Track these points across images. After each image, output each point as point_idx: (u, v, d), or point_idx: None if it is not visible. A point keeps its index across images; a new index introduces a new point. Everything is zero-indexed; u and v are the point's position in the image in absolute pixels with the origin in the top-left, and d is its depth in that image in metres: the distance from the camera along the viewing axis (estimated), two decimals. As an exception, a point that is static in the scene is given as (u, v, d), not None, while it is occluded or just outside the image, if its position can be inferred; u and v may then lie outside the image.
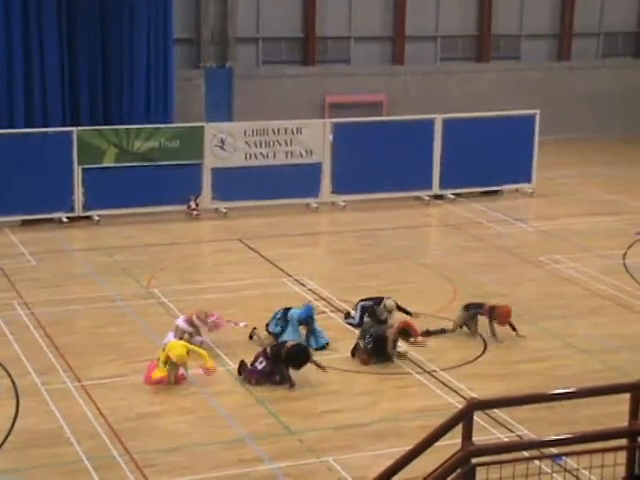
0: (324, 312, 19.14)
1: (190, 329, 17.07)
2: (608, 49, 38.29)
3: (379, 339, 16.70)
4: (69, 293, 20.04)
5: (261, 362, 15.90)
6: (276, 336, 17.08)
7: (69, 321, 18.60)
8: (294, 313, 17.29)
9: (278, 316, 17.38)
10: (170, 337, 16.58)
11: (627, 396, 7.11)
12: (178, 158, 25.57)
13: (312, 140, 26.62)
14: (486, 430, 13.97)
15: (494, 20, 36.17)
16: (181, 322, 17.15)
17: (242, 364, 16.07)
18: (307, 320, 17.38)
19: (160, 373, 15.77)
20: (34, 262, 21.99)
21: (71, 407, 15.00)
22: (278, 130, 26.46)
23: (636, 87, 37.89)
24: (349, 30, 34.90)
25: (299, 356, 15.81)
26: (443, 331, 17.93)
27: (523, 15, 36.80)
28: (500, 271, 21.63)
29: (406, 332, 16.83)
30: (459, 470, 7.29)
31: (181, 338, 16.66)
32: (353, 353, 16.95)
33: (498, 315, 17.75)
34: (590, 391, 7.55)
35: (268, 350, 15.92)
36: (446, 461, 7.41)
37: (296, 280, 20.53)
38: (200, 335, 17.12)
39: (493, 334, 17.66)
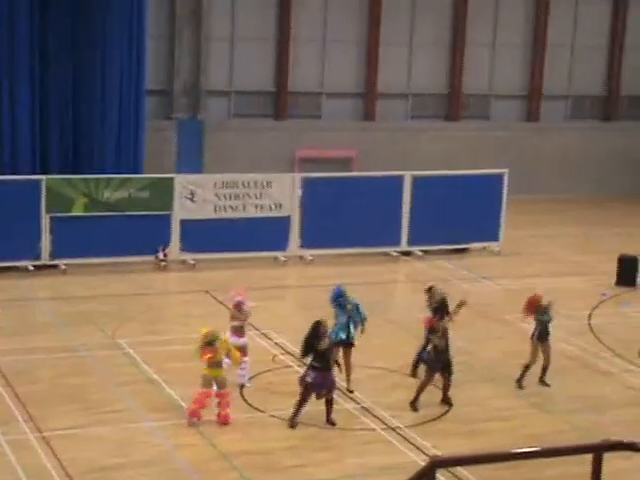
0: (290, 366, 19.08)
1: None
2: (576, 112, 38.79)
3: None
4: (32, 342, 19.87)
5: (309, 374, 16.21)
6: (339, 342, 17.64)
7: (31, 370, 18.41)
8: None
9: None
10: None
11: (590, 457, 7.11)
12: (147, 209, 25.55)
13: (281, 194, 26.70)
14: (449, 488, 13.90)
15: (465, 80, 36.59)
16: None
17: (302, 380, 16.32)
18: (338, 301, 17.98)
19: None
20: (-2, 310, 21.82)
21: (31, 458, 14.80)
22: (248, 183, 26.53)
23: (603, 150, 38.36)
24: (321, 86, 35.19)
25: (313, 327, 16.35)
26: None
27: (493, 76, 37.27)
28: (466, 329, 21.63)
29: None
30: (421, 529, 7.23)
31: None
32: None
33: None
34: (554, 451, 7.53)
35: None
36: (408, 519, 7.35)
37: (263, 334, 20.47)
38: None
39: None
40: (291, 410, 16.35)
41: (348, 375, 17.85)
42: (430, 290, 19.04)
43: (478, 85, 37.12)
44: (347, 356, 17.81)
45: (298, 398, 16.29)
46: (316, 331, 16.33)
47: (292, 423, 16.30)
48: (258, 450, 15.46)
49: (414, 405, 17.27)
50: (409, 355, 19.73)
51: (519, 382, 18.49)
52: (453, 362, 17.90)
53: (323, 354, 16.26)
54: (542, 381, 18.67)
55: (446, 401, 17.55)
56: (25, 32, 26.93)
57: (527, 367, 18.44)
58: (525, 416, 17.37)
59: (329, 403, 16.45)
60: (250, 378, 18.06)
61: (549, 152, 37.71)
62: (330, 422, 16.44)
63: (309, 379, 16.21)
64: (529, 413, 17.51)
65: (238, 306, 17.98)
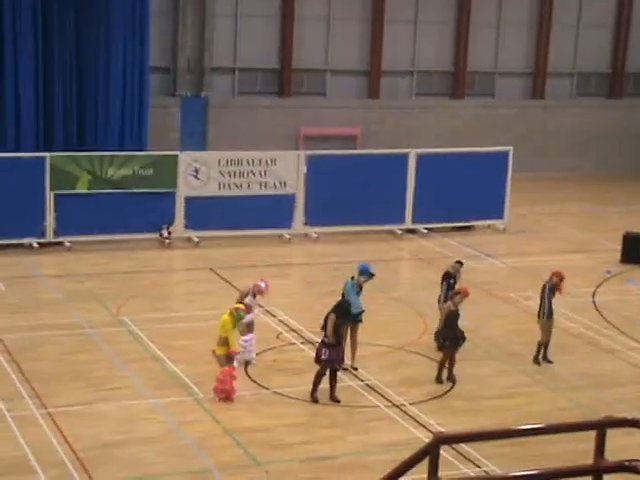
0: (294, 343, 19.11)
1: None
2: (581, 89, 38.65)
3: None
4: (37, 319, 19.90)
5: (324, 353, 16.40)
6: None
7: (36, 347, 18.45)
8: (347, 283, 18.09)
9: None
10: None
11: (593, 434, 7.12)
12: (151, 186, 25.51)
13: (286, 171, 26.65)
14: (454, 465, 13.96)
15: (470, 57, 36.45)
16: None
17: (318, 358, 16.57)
18: (371, 276, 18.22)
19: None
20: (3, 287, 21.83)
21: (36, 434, 14.86)
22: (252, 161, 26.48)
23: (608, 127, 38.23)
24: (325, 63, 35.06)
25: (342, 305, 16.86)
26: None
27: (498, 53, 37.11)
28: (470, 306, 21.59)
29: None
30: (424, 505, 7.25)
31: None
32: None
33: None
34: (557, 427, 7.55)
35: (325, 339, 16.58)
36: (412, 496, 7.36)
37: (267, 311, 20.48)
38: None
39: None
40: (290, 388, 16.41)
41: (353, 352, 17.88)
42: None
43: (483, 62, 36.96)
44: (354, 333, 17.85)
45: (315, 374, 16.45)
46: (346, 308, 16.81)
47: (313, 398, 16.44)
48: (262, 427, 15.50)
49: (452, 377, 17.56)
50: (413, 333, 19.80)
51: (536, 359, 18.65)
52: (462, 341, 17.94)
53: (335, 331, 16.36)
54: (545, 358, 18.70)
55: (450, 378, 17.59)
56: (28, 10, 26.85)
57: (542, 345, 18.65)
58: (529, 393, 17.39)
59: (334, 380, 16.51)
60: (256, 355, 18.07)
61: (554, 129, 37.58)
62: (334, 399, 16.49)
63: (324, 357, 16.35)
64: (533, 390, 17.53)
65: (256, 291, 17.86)
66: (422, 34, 35.94)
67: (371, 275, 18.28)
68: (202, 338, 18.57)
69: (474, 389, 17.40)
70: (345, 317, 16.82)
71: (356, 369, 17.82)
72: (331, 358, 16.40)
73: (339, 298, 17.59)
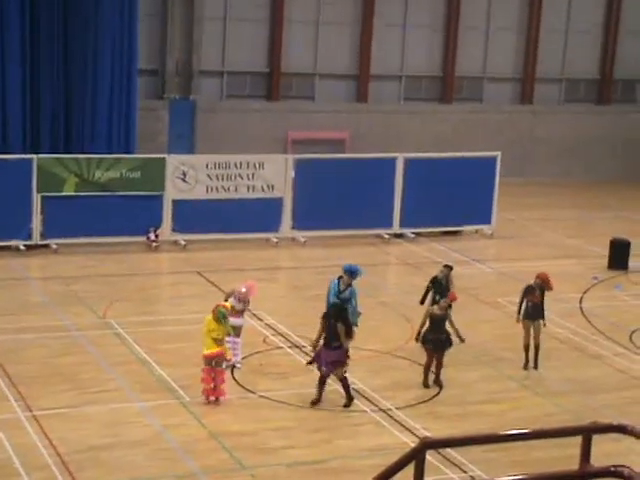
0: (281, 347, 19.09)
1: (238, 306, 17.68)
2: (570, 95, 38.73)
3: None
4: (23, 321, 19.83)
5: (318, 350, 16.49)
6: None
7: (22, 350, 18.37)
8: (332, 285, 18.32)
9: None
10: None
11: (579, 439, 7.11)
12: (139, 189, 25.44)
13: (274, 175, 26.62)
14: (440, 470, 13.95)
15: (458, 62, 36.49)
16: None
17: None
18: (352, 274, 18.28)
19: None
20: (-11, 289, 21.75)
21: (21, 437, 14.79)
22: (240, 164, 26.45)
23: (597, 133, 38.33)
24: (314, 67, 35.06)
25: (335, 308, 16.95)
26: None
27: (487, 58, 37.16)
28: (458, 312, 21.55)
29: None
30: (410, 510, 7.23)
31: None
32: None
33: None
34: (543, 433, 7.56)
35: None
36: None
37: (254, 315, 20.44)
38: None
39: None
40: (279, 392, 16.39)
41: None
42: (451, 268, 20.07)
43: (471, 67, 37.01)
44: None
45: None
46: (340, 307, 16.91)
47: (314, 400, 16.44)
48: (248, 431, 15.46)
49: (439, 382, 17.57)
50: (400, 337, 19.78)
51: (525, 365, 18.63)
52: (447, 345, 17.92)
53: (332, 332, 16.34)
54: (534, 362, 18.64)
55: (437, 383, 17.58)
56: (16, 11, 26.77)
57: (525, 348, 18.62)
58: (515, 399, 17.40)
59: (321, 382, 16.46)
60: (241, 359, 18.03)
61: (542, 135, 37.65)
62: (312, 401, 16.43)
63: (314, 353, 16.47)
64: (519, 396, 17.54)
65: (237, 294, 17.76)
66: (411, 39, 35.96)
67: (352, 274, 18.28)
68: (189, 341, 18.53)
69: (461, 394, 17.40)
70: (343, 318, 16.67)
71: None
72: (316, 354, 16.40)
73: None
